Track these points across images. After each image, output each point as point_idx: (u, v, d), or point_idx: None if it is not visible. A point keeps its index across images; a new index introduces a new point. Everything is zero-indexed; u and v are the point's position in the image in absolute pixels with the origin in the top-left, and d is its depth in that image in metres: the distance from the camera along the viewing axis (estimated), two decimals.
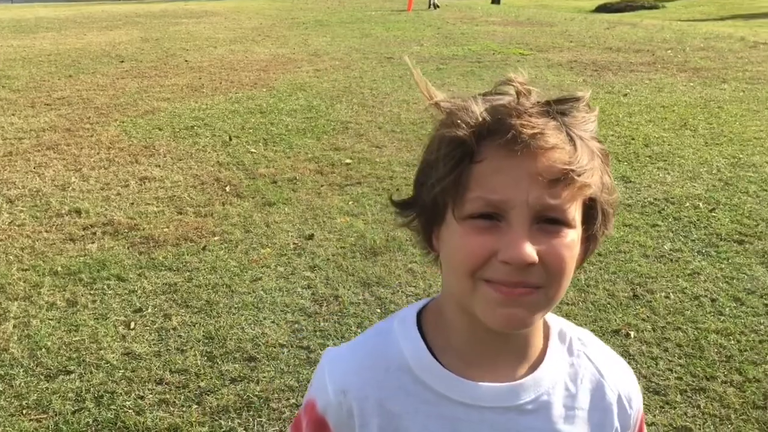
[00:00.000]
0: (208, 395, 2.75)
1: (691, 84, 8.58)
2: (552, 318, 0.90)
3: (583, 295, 3.46)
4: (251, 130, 6.61)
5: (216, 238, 4.20)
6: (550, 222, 0.75)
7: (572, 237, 0.76)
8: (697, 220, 4.38)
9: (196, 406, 2.69)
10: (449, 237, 0.79)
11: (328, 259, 3.90)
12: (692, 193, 4.83)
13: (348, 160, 5.65)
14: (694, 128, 6.50)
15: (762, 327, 3.18)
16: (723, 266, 3.76)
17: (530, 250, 0.73)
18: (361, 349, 0.90)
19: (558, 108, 0.76)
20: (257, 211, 4.62)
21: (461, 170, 0.75)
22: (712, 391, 2.73)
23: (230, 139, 6.32)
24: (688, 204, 4.62)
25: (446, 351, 0.85)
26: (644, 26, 15.28)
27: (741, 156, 5.62)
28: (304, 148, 5.99)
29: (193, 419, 2.61)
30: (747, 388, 2.76)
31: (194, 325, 3.24)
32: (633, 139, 6.14)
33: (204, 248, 4.06)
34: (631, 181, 5.05)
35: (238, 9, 21.83)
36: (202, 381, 2.83)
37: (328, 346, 3.04)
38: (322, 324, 3.25)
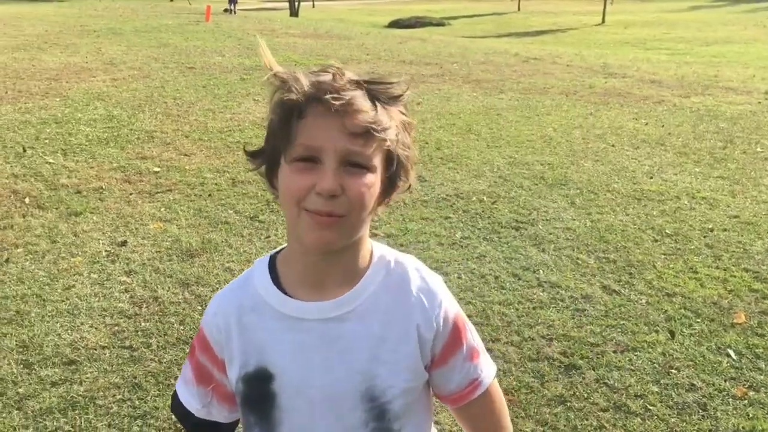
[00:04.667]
0: (28, 400, 2.73)
1: (474, 94, 9.51)
2: (377, 246, 1.13)
3: None
4: (47, 141, 6.32)
5: (20, 250, 4.05)
6: (354, 165, 0.99)
7: (371, 179, 1.00)
8: (482, 211, 4.98)
9: (16, 412, 2.66)
10: (282, 176, 1.02)
11: (144, 264, 3.94)
12: (477, 189, 5.45)
13: (156, 169, 5.64)
14: (477, 133, 7.27)
15: (535, 296, 3.76)
16: (504, 249, 4.34)
17: (335, 184, 0.97)
18: (232, 285, 1.17)
19: (369, 85, 1.01)
20: (63, 221, 4.50)
21: (291, 124, 0.99)
22: (497, 350, 3.20)
23: (24, 150, 6.00)
24: (474, 198, 5.22)
25: (288, 280, 1.11)
26: (433, 41, 16.48)
27: (516, 156, 6.41)
28: (108, 158, 5.86)
29: (16, 423, 2.59)
30: (524, 345, 3.27)
31: (5, 336, 3.15)
32: (426, 143, 6.74)
33: (7, 260, 3.91)
34: (426, 180, 5.58)
35: (18, 15, 20.22)
36: (20, 387, 2.80)
37: (151, 344, 3.14)
38: (143, 324, 3.31)
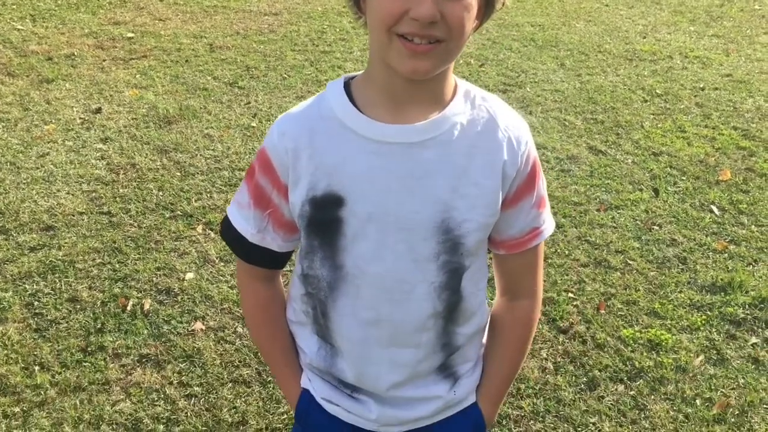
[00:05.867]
0: (7, 264, 2.71)
1: None
2: (462, 81, 1.08)
3: None
4: (14, 7, 5.99)
5: None
6: None
7: (470, 1, 0.93)
8: (469, 74, 4.83)
9: None
10: (371, 0, 0.95)
11: (120, 131, 3.83)
12: (464, 51, 5.24)
13: (130, 34, 5.38)
14: None
15: None
16: None
17: (434, 9, 0.89)
18: (301, 106, 1.09)
19: None
20: (34, 88, 4.34)
21: None
22: None
23: None
24: (461, 61, 5.05)
25: (369, 103, 1.03)
26: None
27: (506, 17, 6.15)
28: (79, 23, 5.58)
29: None
30: None
31: None
32: None
33: None
34: None
35: None
36: None
37: (130, 209, 3.09)
38: (121, 190, 3.25)
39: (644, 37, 5.65)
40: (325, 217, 1.05)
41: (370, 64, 1.05)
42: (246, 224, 1.13)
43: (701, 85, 4.65)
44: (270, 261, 1.17)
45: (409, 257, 1.06)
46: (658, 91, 4.56)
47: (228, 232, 1.16)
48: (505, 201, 1.08)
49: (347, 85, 1.07)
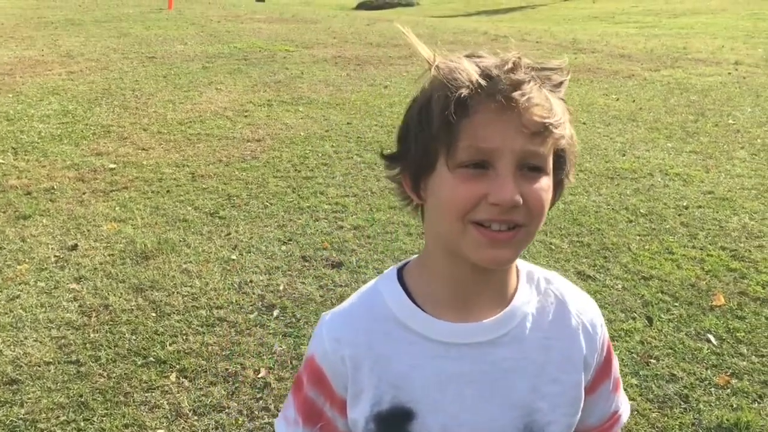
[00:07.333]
0: None
1: None
2: (521, 262, 0.99)
3: (354, 275, 3.66)
4: None
5: None
6: (531, 169, 0.85)
7: (548, 182, 0.87)
8: None
9: None
10: (440, 185, 0.87)
11: (95, 269, 3.72)
12: None
13: (112, 165, 5.38)
14: None
15: None
16: None
17: (516, 193, 0.82)
18: (351, 305, 0.99)
19: (540, 74, 0.85)
20: (9, 225, 4.25)
21: (455, 123, 0.83)
22: None
23: None
24: None
25: (428, 298, 0.94)
26: (401, 23, 16.22)
27: None
28: (61, 156, 5.59)
29: None
30: None
31: None
32: (394, 128, 6.54)
33: None
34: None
35: None
36: None
37: (100, 357, 2.93)
38: (92, 335, 3.10)
39: (623, 155, 5.72)
40: None
41: (428, 254, 0.96)
42: None
43: (684, 203, 4.65)
44: None
45: None
46: (642, 210, 4.55)
47: None
48: (585, 389, 0.99)
49: (399, 275, 0.98)
